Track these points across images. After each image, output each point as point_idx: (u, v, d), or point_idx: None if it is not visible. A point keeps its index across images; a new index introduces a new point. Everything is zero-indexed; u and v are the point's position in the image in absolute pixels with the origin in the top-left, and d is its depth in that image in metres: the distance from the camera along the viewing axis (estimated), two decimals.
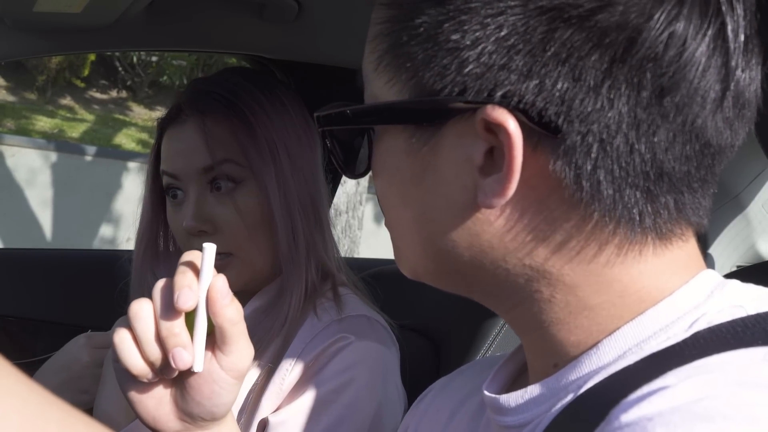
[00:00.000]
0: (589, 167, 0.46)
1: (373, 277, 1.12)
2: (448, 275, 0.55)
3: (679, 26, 0.45)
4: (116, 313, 0.90)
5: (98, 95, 8.85)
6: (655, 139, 0.46)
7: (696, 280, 0.50)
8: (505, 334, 1.27)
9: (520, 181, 0.47)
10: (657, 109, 0.45)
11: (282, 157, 1.02)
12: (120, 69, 8.74)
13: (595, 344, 0.50)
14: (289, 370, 0.96)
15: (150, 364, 0.61)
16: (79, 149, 6.65)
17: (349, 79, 1.41)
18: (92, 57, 8.21)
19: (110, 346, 0.81)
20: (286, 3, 1.18)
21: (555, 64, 0.45)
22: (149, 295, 0.62)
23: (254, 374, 0.98)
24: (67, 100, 8.46)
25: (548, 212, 0.49)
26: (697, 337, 0.46)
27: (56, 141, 6.78)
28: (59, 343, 1.13)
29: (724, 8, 0.46)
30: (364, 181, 4.74)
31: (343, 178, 2.37)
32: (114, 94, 8.98)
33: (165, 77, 8.80)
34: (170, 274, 0.62)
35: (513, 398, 0.54)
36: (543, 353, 0.53)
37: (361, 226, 5.08)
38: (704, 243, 1.25)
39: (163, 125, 1.07)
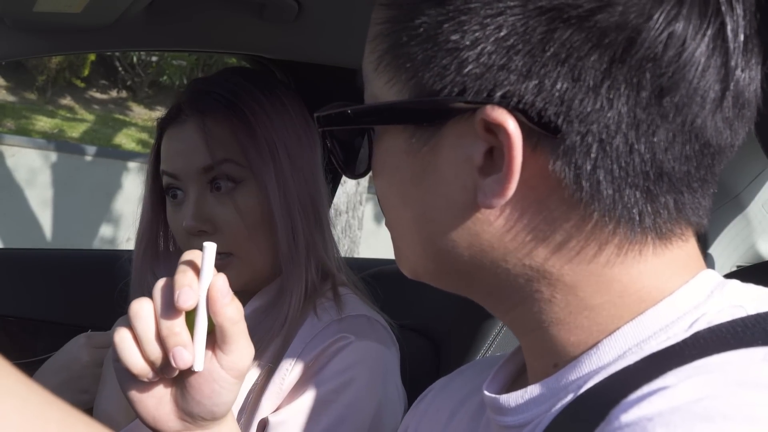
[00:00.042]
0: (588, 167, 0.46)
1: (373, 277, 1.12)
2: (448, 275, 0.55)
3: (679, 26, 0.45)
4: (116, 313, 0.90)
5: (98, 95, 8.85)
6: (655, 139, 0.46)
7: (696, 280, 0.50)
8: (505, 334, 1.27)
9: (520, 182, 0.47)
10: (656, 109, 0.45)
11: (282, 157, 1.02)
12: (120, 69, 8.74)
13: (595, 344, 0.50)
14: (289, 370, 0.96)
15: (150, 363, 0.61)
16: (79, 149, 6.65)
17: (349, 79, 1.41)
18: (92, 57, 8.21)
19: (110, 346, 0.81)
20: (286, 3, 1.18)
21: (554, 65, 0.45)
22: (149, 295, 0.62)
23: (254, 374, 0.98)
24: (67, 100, 8.46)
25: (548, 212, 0.49)
26: (697, 337, 0.46)
27: (56, 141, 6.78)
28: (59, 343, 1.13)
29: (723, 8, 0.46)
30: (364, 181, 4.74)
31: (343, 178, 2.37)
32: (114, 94, 8.98)
33: (165, 77, 8.79)
34: (170, 274, 0.62)
35: (513, 398, 0.54)
36: (543, 353, 0.53)
37: (361, 226, 5.08)
38: (704, 243, 1.25)
39: (163, 125, 1.07)
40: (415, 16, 0.49)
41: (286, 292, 1.01)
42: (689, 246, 0.51)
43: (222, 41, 1.43)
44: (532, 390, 0.53)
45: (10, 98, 7.99)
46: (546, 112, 0.46)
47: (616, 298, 0.50)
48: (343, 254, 1.16)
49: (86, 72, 8.41)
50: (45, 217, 6.23)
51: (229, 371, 0.63)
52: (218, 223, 1.01)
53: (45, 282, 1.60)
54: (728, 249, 1.27)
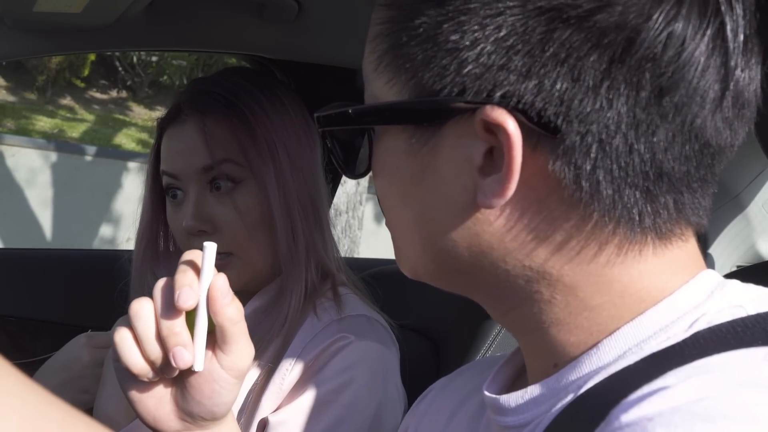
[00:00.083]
0: (588, 167, 0.46)
1: (373, 277, 1.13)
2: (448, 275, 0.55)
3: (678, 26, 0.45)
4: (116, 313, 0.90)
5: (98, 95, 8.85)
6: (655, 139, 0.46)
7: (696, 280, 0.50)
8: (505, 334, 1.27)
9: (520, 182, 0.47)
10: (656, 109, 0.45)
11: (282, 157, 1.02)
12: (120, 69, 8.74)
13: (595, 344, 0.50)
14: (289, 370, 0.96)
15: (150, 363, 0.61)
16: (79, 149, 6.65)
17: (349, 79, 1.40)
18: (92, 57, 8.21)
19: (110, 346, 0.81)
20: (286, 3, 1.18)
21: (554, 65, 0.45)
22: (149, 295, 0.62)
23: (254, 374, 0.98)
24: (67, 100, 8.46)
25: (548, 212, 0.49)
26: (697, 337, 0.46)
27: (56, 141, 6.78)
28: (59, 343, 1.13)
29: (723, 8, 0.46)
30: (364, 181, 4.74)
31: (343, 178, 2.37)
32: (114, 94, 8.97)
33: (165, 77, 8.79)
34: (170, 274, 0.62)
35: (513, 398, 0.54)
36: (543, 354, 0.53)
37: (361, 226, 5.08)
38: (704, 243, 1.25)
39: (163, 125, 1.07)
40: (414, 17, 0.49)
41: (286, 292, 1.01)
42: (689, 246, 0.51)
43: (222, 41, 1.43)
44: (533, 390, 0.53)
45: (10, 98, 7.99)
46: (546, 112, 0.46)
47: (616, 298, 0.50)
48: (343, 254, 1.16)
49: (86, 72, 8.41)
50: (45, 217, 6.23)
51: (229, 371, 0.63)
52: (218, 223, 1.01)
53: (45, 282, 1.60)
54: (728, 249, 1.27)
